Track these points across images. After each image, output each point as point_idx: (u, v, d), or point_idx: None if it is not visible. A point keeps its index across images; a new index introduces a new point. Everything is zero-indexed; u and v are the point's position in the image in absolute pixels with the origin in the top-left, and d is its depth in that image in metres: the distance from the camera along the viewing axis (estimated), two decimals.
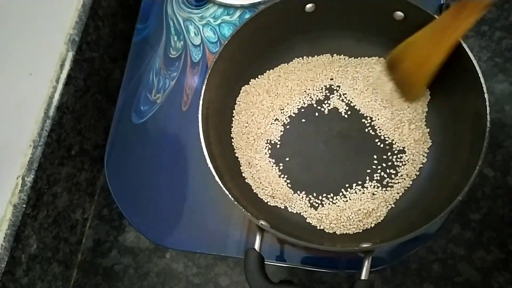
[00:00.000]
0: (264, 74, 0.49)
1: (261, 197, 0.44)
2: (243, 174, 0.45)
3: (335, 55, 0.49)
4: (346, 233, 0.42)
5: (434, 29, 0.39)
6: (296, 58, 0.49)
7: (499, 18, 0.60)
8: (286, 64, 0.49)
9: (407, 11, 0.43)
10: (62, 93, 0.48)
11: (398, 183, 0.44)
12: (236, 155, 0.46)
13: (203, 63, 0.52)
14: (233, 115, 0.47)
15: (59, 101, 0.48)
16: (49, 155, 0.47)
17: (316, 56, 0.49)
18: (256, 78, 0.49)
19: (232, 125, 0.47)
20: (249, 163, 0.46)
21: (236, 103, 0.48)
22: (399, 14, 0.43)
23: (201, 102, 0.42)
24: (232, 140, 0.46)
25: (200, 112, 0.41)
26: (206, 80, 0.42)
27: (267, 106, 0.48)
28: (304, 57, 0.49)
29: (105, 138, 0.54)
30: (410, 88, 0.44)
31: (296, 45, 0.49)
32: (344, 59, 0.48)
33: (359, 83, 0.47)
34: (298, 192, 0.44)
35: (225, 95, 0.46)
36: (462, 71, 0.40)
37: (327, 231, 0.43)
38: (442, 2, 0.49)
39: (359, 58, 0.48)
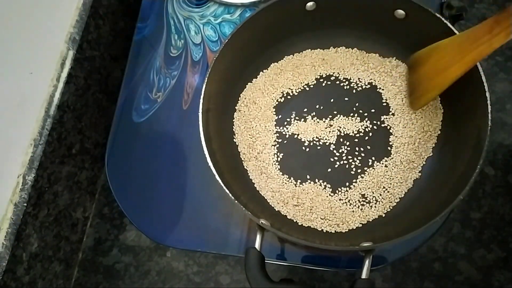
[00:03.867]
0: (265, 70, 0.49)
1: (264, 195, 0.44)
2: (245, 167, 0.45)
3: (337, 48, 0.49)
4: (340, 231, 0.42)
5: (463, 39, 0.37)
6: (296, 56, 0.49)
7: None
8: (286, 61, 0.49)
9: (408, 10, 0.43)
10: (63, 92, 0.48)
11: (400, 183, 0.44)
12: (239, 149, 0.46)
13: (204, 62, 0.52)
14: (236, 110, 0.47)
15: (59, 100, 0.48)
16: (50, 153, 0.47)
17: (318, 50, 0.49)
18: (258, 76, 0.49)
19: (233, 121, 0.47)
20: (253, 158, 0.46)
21: (239, 99, 0.48)
22: (400, 12, 0.43)
23: (201, 100, 0.42)
24: (234, 137, 0.46)
25: (200, 110, 0.41)
26: (206, 79, 0.42)
27: (269, 102, 0.48)
28: (304, 53, 0.49)
29: (105, 137, 0.54)
30: (421, 94, 0.42)
31: (296, 44, 0.49)
32: (346, 53, 0.48)
33: (363, 79, 0.47)
34: (301, 183, 0.44)
35: (226, 94, 0.46)
36: None
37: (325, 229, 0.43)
38: (443, 1, 0.49)
39: (361, 51, 0.48)
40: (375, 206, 0.43)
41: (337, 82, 0.48)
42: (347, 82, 0.48)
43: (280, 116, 0.48)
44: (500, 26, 0.33)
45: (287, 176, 0.45)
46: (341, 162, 0.45)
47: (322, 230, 0.43)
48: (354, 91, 0.48)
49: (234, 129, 0.47)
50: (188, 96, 0.51)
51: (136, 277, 0.53)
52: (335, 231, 0.43)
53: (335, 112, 0.47)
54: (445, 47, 0.39)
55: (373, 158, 0.45)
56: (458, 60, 0.37)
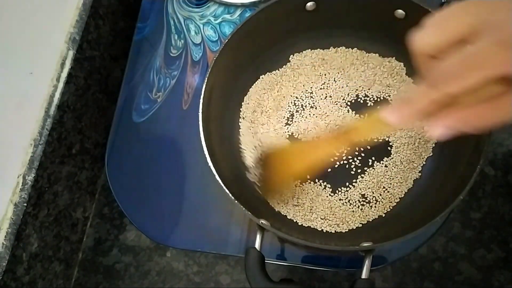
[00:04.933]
0: (265, 70, 0.49)
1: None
2: (246, 163, 0.46)
3: (337, 48, 0.49)
4: (340, 231, 0.42)
5: (307, 145, 0.42)
6: (296, 56, 0.49)
7: None
8: (286, 61, 0.49)
9: (408, 9, 0.43)
10: (63, 92, 0.48)
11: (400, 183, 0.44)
12: (243, 150, 0.46)
13: (204, 62, 0.52)
14: (236, 111, 0.48)
15: (59, 100, 0.48)
16: (50, 153, 0.47)
17: (318, 50, 0.49)
18: (258, 77, 0.49)
19: (234, 122, 0.47)
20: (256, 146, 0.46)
21: (240, 100, 0.48)
22: (400, 12, 0.43)
23: (201, 100, 0.42)
24: (235, 137, 0.46)
25: (200, 110, 0.41)
26: (206, 78, 0.42)
27: (270, 102, 0.48)
28: (304, 53, 0.49)
29: (105, 137, 0.54)
30: (272, 189, 0.43)
31: (296, 44, 0.49)
32: (346, 53, 0.48)
33: (360, 77, 0.47)
34: (301, 183, 0.44)
35: (226, 94, 0.46)
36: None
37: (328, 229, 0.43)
38: (443, 1, 0.49)
39: (361, 51, 0.48)
40: (375, 206, 0.43)
41: (338, 82, 0.48)
42: (347, 83, 0.48)
43: (280, 116, 0.48)
44: (337, 141, 0.37)
45: None
46: (341, 162, 0.45)
47: (322, 230, 0.43)
48: (355, 91, 0.48)
49: (235, 130, 0.47)
50: (188, 96, 0.51)
51: (136, 277, 0.53)
52: (335, 231, 0.43)
53: (335, 112, 0.47)
54: (290, 149, 0.43)
55: (373, 158, 0.45)
56: (301, 158, 0.40)
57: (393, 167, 0.44)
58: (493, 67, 0.23)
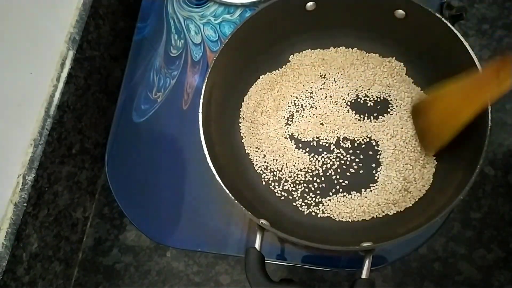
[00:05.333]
0: (266, 71, 0.49)
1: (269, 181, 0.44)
2: (253, 162, 0.46)
3: (337, 48, 0.49)
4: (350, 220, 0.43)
5: (469, 87, 0.37)
6: (296, 56, 0.49)
7: (500, 17, 0.60)
8: (286, 61, 0.49)
9: (408, 9, 0.43)
10: (63, 92, 0.48)
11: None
12: (246, 150, 0.46)
13: (204, 62, 0.52)
14: (236, 111, 0.48)
15: (59, 100, 0.48)
16: (50, 153, 0.47)
17: (318, 50, 0.49)
18: (259, 77, 0.49)
19: (235, 122, 0.47)
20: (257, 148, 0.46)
21: (240, 101, 0.48)
22: (400, 12, 0.43)
23: (201, 100, 0.42)
24: (235, 137, 0.46)
25: (200, 110, 0.41)
26: (206, 78, 0.42)
27: (270, 102, 0.48)
28: (304, 53, 0.49)
29: (105, 137, 0.54)
30: (434, 138, 0.42)
31: (296, 44, 0.49)
32: (346, 53, 0.48)
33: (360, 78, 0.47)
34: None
35: (226, 94, 0.46)
36: (464, 70, 0.40)
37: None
38: (443, 1, 0.49)
39: (361, 51, 0.48)
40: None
41: (338, 82, 0.48)
42: (347, 83, 0.48)
43: (280, 116, 0.48)
44: (507, 68, 0.33)
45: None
46: (340, 162, 0.45)
47: (323, 229, 0.43)
48: (355, 91, 0.48)
49: (235, 130, 0.47)
50: (188, 96, 0.51)
51: (136, 277, 0.53)
52: (339, 219, 0.43)
53: (335, 112, 0.47)
54: (452, 93, 0.39)
55: (377, 157, 0.45)
56: (467, 105, 0.37)
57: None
58: None
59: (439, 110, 0.40)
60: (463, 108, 0.37)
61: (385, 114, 0.46)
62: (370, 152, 0.45)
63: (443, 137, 0.40)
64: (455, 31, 0.40)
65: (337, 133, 0.46)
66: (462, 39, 0.39)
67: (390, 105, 0.47)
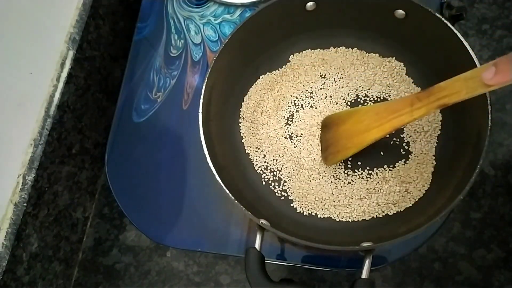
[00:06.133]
0: (266, 71, 0.49)
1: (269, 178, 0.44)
2: (253, 163, 0.46)
3: (337, 48, 0.49)
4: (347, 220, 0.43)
5: (381, 110, 0.40)
6: (296, 56, 0.49)
7: (500, 17, 0.60)
8: (286, 61, 0.49)
9: (408, 9, 0.43)
10: (63, 92, 0.48)
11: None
12: (246, 150, 0.46)
13: (204, 62, 0.52)
14: (237, 111, 0.48)
15: (59, 100, 0.48)
16: (50, 153, 0.47)
17: (318, 50, 0.49)
18: (259, 77, 0.49)
19: (235, 122, 0.47)
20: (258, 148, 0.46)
21: (240, 101, 0.48)
22: (400, 12, 0.43)
23: (201, 100, 0.42)
24: (236, 137, 0.46)
25: (200, 110, 0.41)
26: (206, 78, 0.42)
27: (271, 102, 0.48)
28: (304, 53, 0.49)
29: (105, 137, 0.54)
30: (338, 150, 0.43)
31: (296, 44, 0.49)
32: (346, 53, 0.48)
33: (360, 77, 0.47)
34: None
35: (226, 94, 0.46)
36: (464, 70, 0.40)
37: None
38: (443, 1, 0.49)
39: (361, 51, 0.48)
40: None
41: (338, 82, 0.48)
42: (347, 83, 0.48)
43: (280, 116, 0.48)
44: (421, 102, 0.36)
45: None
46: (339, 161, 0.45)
47: (323, 229, 0.43)
48: (355, 91, 0.48)
49: (235, 130, 0.47)
50: (188, 96, 0.51)
51: (136, 277, 0.53)
52: (339, 219, 0.43)
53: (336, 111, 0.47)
54: (365, 113, 0.41)
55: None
56: (378, 125, 0.39)
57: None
58: None
59: (350, 125, 0.42)
60: (373, 128, 0.40)
61: None
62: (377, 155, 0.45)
63: (347, 150, 0.42)
64: (455, 31, 0.40)
65: None
66: (462, 39, 0.39)
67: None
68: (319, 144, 0.46)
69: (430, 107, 0.35)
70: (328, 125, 0.45)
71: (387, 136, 0.42)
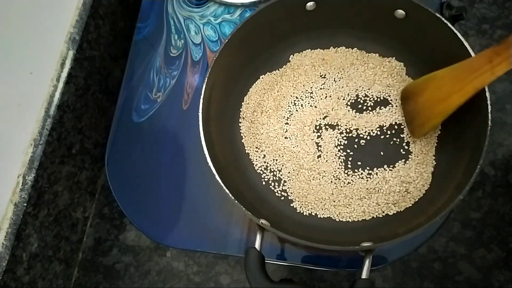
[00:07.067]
0: (266, 71, 0.49)
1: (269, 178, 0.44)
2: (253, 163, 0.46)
3: (337, 48, 0.49)
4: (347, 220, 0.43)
5: (461, 71, 0.37)
6: (296, 56, 0.49)
7: (500, 17, 0.60)
8: (286, 61, 0.49)
9: (408, 9, 0.43)
10: (63, 92, 0.48)
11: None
12: (246, 150, 0.46)
13: (204, 62, 0.52)
14: (237, 111, 0.47)
15: (59, 100, 0.48)
16: (50, 153, 0.47)
17: (318, 50, 0.49)
18: (259, 77, 0.49)
19: (235, 122, 0.47)
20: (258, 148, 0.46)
21: (240, 101, 0.48)
22: (401, 12, 0.43)
23: (201, 100, 0.42)
24: (236, 138, 0.46)
25: (200, 110, 0.41)
26: (206, 79, 0.42)
27: (271, 102, 0.48)
28: (304, 53, 0.49)
29: (105, 137, 0.54)
30: (423, 122, 0.42)
31: (296, 44, 0.49)
32: (346, 53, 0.48)
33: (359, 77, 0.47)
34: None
35: (226, 94, 0.46)
36: None
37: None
38: (443, 1, 0.49)
39: (361, 51, 0.48)
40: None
41: (338, 82, 0.48)
42: (347, 83, 0.48)
43: (280, 116, 0.48)
44: (500, 57, 0.33)
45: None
46: (338, 157, 0.45)
47: (323, 229, 0.43)
48: (355, 91, 0.48)
49: (235, 130, 0.47)
50: (188, 96, 0.51)
51: (136, 277, 0.53)
52: (339, 219, 0.43)
53: (336, 111, 0.47)
54: (442, 77, 0.39)
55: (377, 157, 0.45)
56: (459, 89, 0.37)
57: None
58: None
59: (430, 94, 0.40)
60: (454, 92, 0.37)
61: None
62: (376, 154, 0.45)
63: (432, 121, 0.40)
64: (455, 31, 0.40)
65: (337, 132, 0.46)
66: (462, 39, 0.39)
67: (390, 105, 0.47)
68: (320, 144, 0.46)
69: (510, 61, 0.32)
70: (407, 96, 0.43)
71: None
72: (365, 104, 0.47)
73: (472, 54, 0.39)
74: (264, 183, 0.46)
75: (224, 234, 0.45)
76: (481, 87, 0.36)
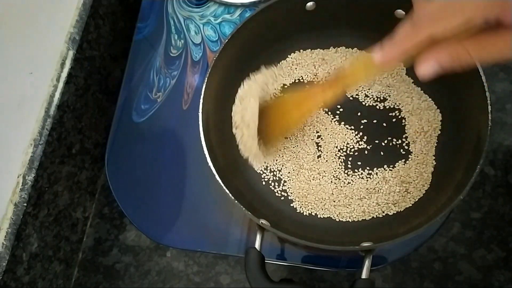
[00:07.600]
0: (266, 70, 0.49)
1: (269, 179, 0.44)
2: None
3: (337, 48, 0.49)
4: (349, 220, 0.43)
5: (302, 94, 0.41)
6: (296, 56, 0.49)
7: None
8: (285, 61, 0.49)
9: (408, 9, 0.42)
10: (63, 92, 0.48)
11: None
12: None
13: (204, 62, 0.52)
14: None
15: (59, 100, 0.48)
16: (50, 153, 0.47)
17: (318, 50, 0.49)
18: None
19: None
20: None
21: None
22: (400, 12, 0.43)
23: (201, 100, 0.42)
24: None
25: (200, 110, 0.41)
26: (206, 79, 0.42)
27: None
28: (304, 53, 0.49)
29: (105, 137, 0.54)
30: (266, 136, 0.43)
31: (296, 44, 0.49)
32: (346, 53, 0.48)
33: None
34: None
35: (226, 94, 0.46)
36: (464, 70, 0.40)
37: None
38: None
39: (361, 51, 0.48)
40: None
41: None
42: None
43: None
44: (330, 87, 0.38)
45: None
46: (337, 154, 0.45)
47: (323, 229, 0.43)
48: (355, 91, 0.48)
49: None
50: (188, 96, 0.51)
51: (136, 277, 0.53)
52: (339, 219, 0.43)
53: (336, 111, 0.47)
54: (286, 100, 0.44)
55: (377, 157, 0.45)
56: (296, 108, 0.41)
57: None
58: (472, 11, 0.25)
59: (275, 111, 0.43)
60: (293, 111, 0.41)
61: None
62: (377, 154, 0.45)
63: (275, 134, 0.43)
64: None
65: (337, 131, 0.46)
66: None
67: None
68: (320, 144, 0.46)
69: (336, 89, 0.37)
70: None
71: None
72: (366, 104, 0.47)
73: None
74: (264, 183, 0.46)
75: (224, 234, 0.45)
76: (316, 108, 0.43)
